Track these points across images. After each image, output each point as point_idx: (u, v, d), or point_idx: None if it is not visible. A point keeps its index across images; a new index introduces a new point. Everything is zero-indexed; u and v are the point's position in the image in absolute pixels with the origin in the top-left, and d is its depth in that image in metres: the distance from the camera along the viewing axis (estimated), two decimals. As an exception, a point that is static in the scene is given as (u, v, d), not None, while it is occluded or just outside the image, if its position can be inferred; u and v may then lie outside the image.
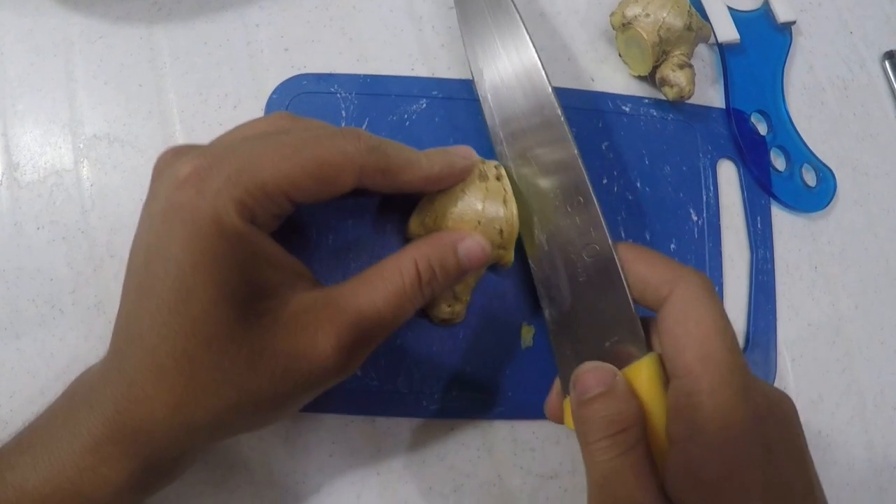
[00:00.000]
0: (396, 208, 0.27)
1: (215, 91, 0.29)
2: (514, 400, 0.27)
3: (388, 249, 0.27)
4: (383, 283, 0.21)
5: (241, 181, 0.19)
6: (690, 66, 0.29)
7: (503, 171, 0.25)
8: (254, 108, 0.29)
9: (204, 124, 0.29)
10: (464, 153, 0.24)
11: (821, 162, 0.32)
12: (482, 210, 0.24)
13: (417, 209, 0.25)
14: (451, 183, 0.24)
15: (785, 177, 0.31)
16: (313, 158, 0.20)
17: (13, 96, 0.29)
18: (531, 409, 0.26)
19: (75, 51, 0.29)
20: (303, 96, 0.29)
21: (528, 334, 0.27)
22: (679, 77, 0.29)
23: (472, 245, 0.23)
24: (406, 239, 0.26)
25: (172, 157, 0.20)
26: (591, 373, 0.21)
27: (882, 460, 0.30)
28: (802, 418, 0.29)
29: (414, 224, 0.25)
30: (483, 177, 0.24)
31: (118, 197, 0.28)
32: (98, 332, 0.26)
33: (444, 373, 0.26)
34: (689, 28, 0.29)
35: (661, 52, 0.29)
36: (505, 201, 0.24)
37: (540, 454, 0.27)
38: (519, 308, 0.27)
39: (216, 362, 0.18)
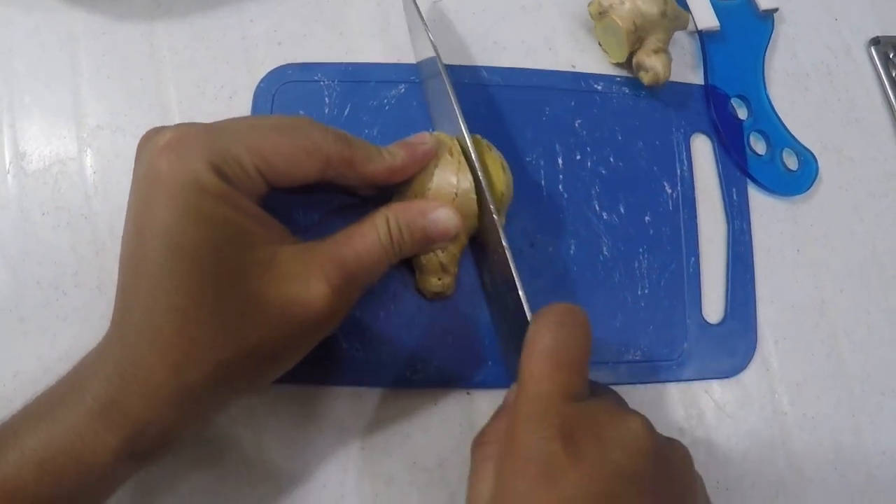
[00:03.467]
0: (380, 194, 0.28)
1: (212, 83, 0.31)
2: (493, 369, 0.27)
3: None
4: (362, 236, 0.23)
5: (216, 148, 0.20)
6: (666, 51, 0.30)
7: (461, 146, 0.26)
8: (248, 100, 0.30)
9: (201, 115, 0.30)
10: (420, 139, 0.25)
11: (802, 146, 0.32)
12: (457, 183, 0.25)
13: (398, 189, 0.26)
14: (415, 170, 0.25)
15: (765, 160, 0.32)
16: (284, 138, 0.21)
17: (20, 90, 0.30)
18: (511, 378, 0.27)
19: (79, 46, 0.31)
20: (288, 85, 0.30)
21: None
22: (654, 62, 0.30)
23: (442, 216, 0.24)
24: None
25: (153, 132, 0.21)
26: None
27: (871, 446, 0.30)
28: (787, 401, 0.30)
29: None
30: (452, 152, 0.25)
31: (120, 184, 0.29)
32: (100, 313, 0.28)
33: (426, 343, 0.27)
34: (664, 15, 0.29)
35: (637, 38, 0.30)
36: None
37: (522, 431, 0.28)
38: None
39: (211, 314, 0.19)
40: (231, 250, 0.20)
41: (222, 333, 0.19)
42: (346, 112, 0.30)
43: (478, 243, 0.27)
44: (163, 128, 0.21)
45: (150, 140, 0.21)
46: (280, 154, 0.21)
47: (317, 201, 0.28)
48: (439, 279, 0.26)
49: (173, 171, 0.19)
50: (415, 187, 0.25)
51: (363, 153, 0.23)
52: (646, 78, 0.30)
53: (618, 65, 0.32)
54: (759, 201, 0.32)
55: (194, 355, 0.19)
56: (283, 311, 0.20)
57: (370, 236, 0.23)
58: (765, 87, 0.33)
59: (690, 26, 0.33)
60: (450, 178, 0.25)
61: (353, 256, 0.22)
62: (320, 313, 0.21)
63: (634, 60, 0.31)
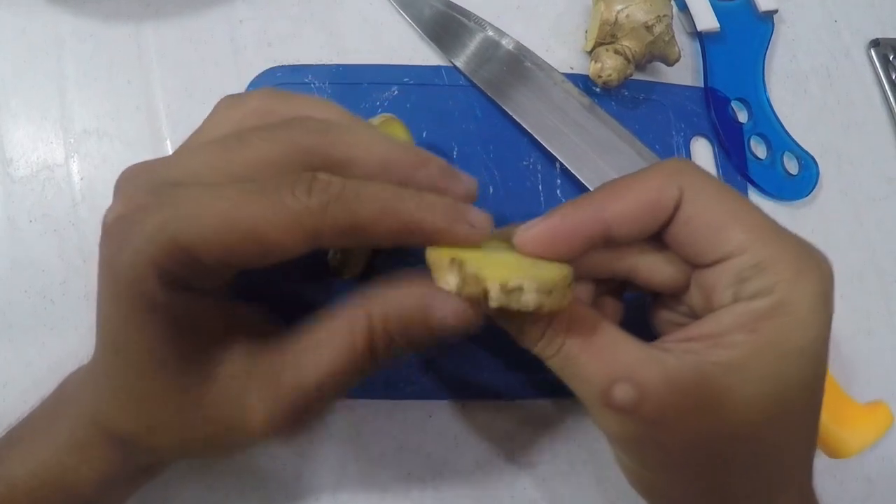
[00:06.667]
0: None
1: (200, 86, 0.30)
2: (489, 381, 0.27)
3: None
4: (330, 351, 0.17)
5: (162, 242, 0.16)
6: (628, 60, 0.29)
7: None
8: (238, 103, 0.30)
9: (189, 118, 0.29)
10: (476, 214, 0.18)
11: (803, 150, 0.32)
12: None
13: None
14: (445, 241, 0.18)
15: (766, 165, 0.31)
16: (248, 219, 0.16)
17: (6, 94, 0.30)
18: (507, 390, 0.27)
19: (66, 49, 0.30)
20: (278, 87, 0.29)
21: None
22: (607, 58, 0.29)
23: (449, 312, 0.17)
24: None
25: (120, 185, 0.18)
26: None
27: (870, 451, 0.30)
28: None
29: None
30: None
31: (107, 190, 0.28)
32: (88, 323, 0.27)
33: (421, 354, 0.27)
34: (647, 28, 0.28)
35: (611, 34, 0.29)
36: None
37: (518, 443, 0.27)
38: None
39: (158, 411, 0.18)
40: (174, 360, 0.17)
41: (167, 428, 0.18)
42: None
43: None
44: (126, 181, 0.18)
45: (113, 201, 0.18)
46: (245, 240, 0.16)
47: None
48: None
49: (115, 265, 0.16)
50: None
51: (369, 214, 0.16)
52: (592, 69, 0.30)
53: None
54: (760, 206, 0.31)
55: (147, 429, 0.18)
56: (221, 432, 0.18)
57: (341, 349, 0.17)
58: (765, 90, 0.32)
59: (690, 27, 0.33)
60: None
61: (309, 385, 0.17)
62: (263, 440, 0.18)
63: (594, 51, 0.30)
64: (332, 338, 0.17)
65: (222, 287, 0.19)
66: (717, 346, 0.18)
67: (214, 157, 0.18)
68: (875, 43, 0.35)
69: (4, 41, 0.30)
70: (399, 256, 0.27)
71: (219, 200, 0.16)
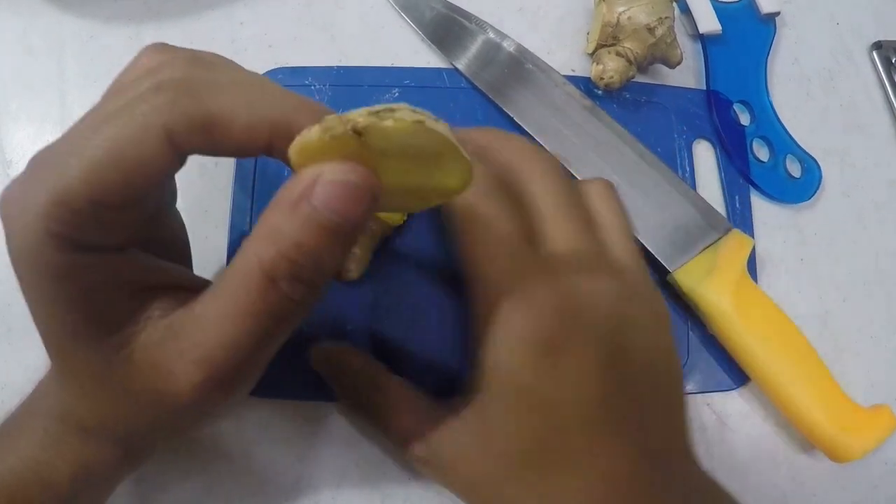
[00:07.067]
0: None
1: (201, 88, 0.30)
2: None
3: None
4: (233, 305, 0.16)
5: (41, 203, 0.15)
6: (630, 63, 0.29)
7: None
8: (239, 105, 0.30)
9: (190, 121, 0.30)
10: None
11: (806, 153, 0.32)
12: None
13: None
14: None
15: (768, 167, 0.31)
16: (104, 146, 0.15)
17: (7, 95, 0.30)
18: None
19: (67, 51, 0.30)
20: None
21: None
22: (608, 60, 0.29)
23: (328, 187, 0.15)
24: None
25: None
26: None
27: (873, 456, 0.30)
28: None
29: None
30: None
31: (107, 192, 0.29)
32: (87, 325, 0.27)
33: (422, 357, 0.26)
34: (650, 30, 0.28)
35: (612, 36, 0.29)
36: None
37: (519, 445, 0.27)
38: None
39: (93, 392, 0.18)
40: (90, 332, 0.17)
41: (110, 412, 0.18)
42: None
43: None
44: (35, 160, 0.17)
45: None
46: (111, 167, 0.15)
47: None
48: None
49: (10, 243, 0.16)
50: None
51: (226, 106, 0.15)
52: (593, 71, 0.30)
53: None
54: (762, 209, 0.31)
55: (95, 414, 0.18)
56: (155, 405, 0.17)
57: (242, 305, 0.16)
58: (767, 92, 0.32)
59: (692, 30, 0.33)
60: None
61: (219, 348, 0.16)
62: (197, 403, 0.17)
63: (596, 52, 0.30)
64: (231, 293, 0.16)
65: (128, 239, 0.17)
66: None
67: (92, 113, 0.16)
68: (877, 45, 0.35)
69: (5, 42, 0.30)
70: (400, 259, 0.27)
71: (83, 141, 0.15)
